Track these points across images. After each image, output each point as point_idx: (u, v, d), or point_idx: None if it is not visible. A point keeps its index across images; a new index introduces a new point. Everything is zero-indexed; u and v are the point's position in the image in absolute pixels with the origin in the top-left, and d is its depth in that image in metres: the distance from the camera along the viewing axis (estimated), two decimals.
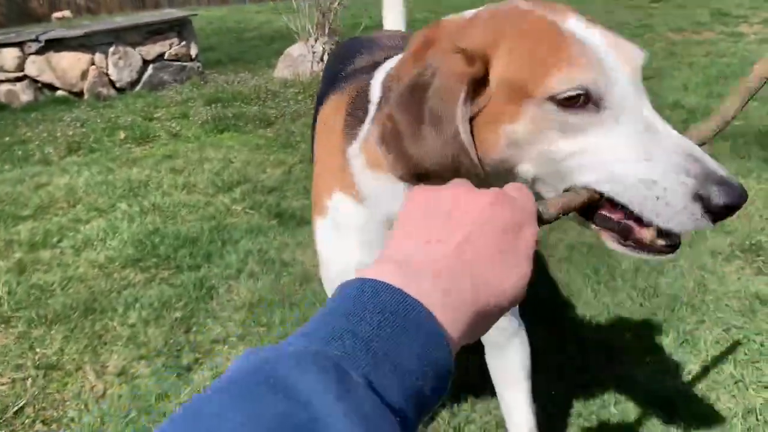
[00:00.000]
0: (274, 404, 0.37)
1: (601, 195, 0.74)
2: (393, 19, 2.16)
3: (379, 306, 0.45)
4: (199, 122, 4.85)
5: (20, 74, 6.09)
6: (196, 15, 7.07)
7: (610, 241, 0.76)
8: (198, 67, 6.77)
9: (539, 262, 2.57)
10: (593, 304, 2.24)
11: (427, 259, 0.50)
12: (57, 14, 16.70)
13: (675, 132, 0.73)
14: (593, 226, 0.77)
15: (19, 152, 4.35)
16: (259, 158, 4.04)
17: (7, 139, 4.73)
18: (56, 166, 4.09)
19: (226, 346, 2.17)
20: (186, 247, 2.80)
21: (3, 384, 2.05)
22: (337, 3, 6.11)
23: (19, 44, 5.96)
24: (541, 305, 2.27)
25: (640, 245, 0.74)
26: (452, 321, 0.48)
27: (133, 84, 6.32)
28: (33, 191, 3.62)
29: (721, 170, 0.69)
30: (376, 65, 1.07)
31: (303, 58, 6.26)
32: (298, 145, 4.29)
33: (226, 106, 5.29)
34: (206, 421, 0.36)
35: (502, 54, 0.77)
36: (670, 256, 0.75)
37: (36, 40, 5.90)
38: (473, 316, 0.50)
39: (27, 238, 3.01)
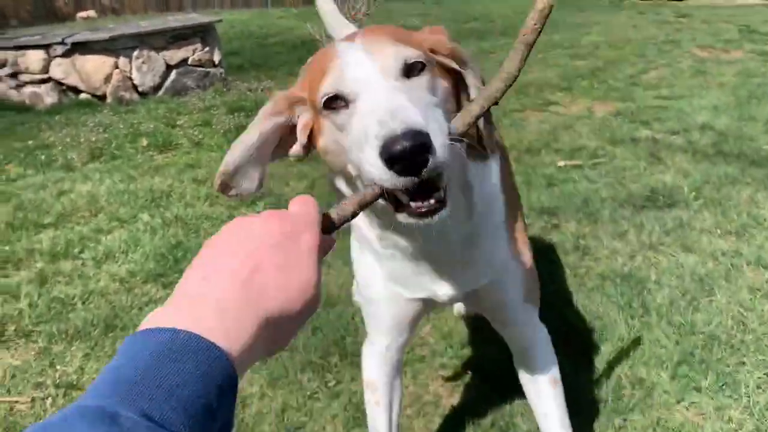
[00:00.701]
0: None
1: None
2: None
3: (152, 347, 0.49)
4: (222, 131, 4.83)
5: (45, 76, 6.12)
6: (220, 21, 7.07)
7: (398, 215, 0.86)
8: (221, 74, 6.77)
9: (568, 291, 2.50)
10: (627, 339, 2.16)
11: (203, 291, 0.55)
12: (82, 14, 16.87)
13: (384, 103, 0.81)
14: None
15: (42, 157, 4.35)
16: (282, 170, 4.00)
17: (30, 142, 4.74)
18: (79, 173, 4.08)
19: (249, 372, 2.12)
20: None
21: (23, 403, 2.01)
22: (362, 13, 6.09)
23: (45, 46, 6.00)
24: (572, 337, 2.20)
25: (408, 210, 0.84)
26: (235, 338, 0.53)
27: (156, 89, 6.33)
28: (55, 198, 3.61)
29: (399, 126, 0.75)
30: None
31: None
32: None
33: (249, 114, 5.26)
34: None
35: (307, 83, 0.99)
36: (433, 219, 0.83)
37: (62, 42, 5.94)
38: (259, 327, 0.55)
39: (48, 247, 3.00)
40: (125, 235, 3.10)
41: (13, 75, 6.24)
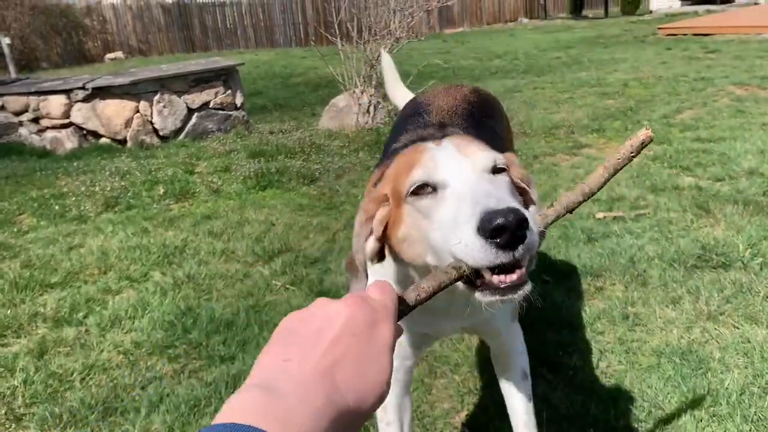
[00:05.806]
0: None
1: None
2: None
3: None
4: (241, 177, 4.67)
5: (66, 121, 6.08)
6: (242, 64, 7.01)
7: (478, 294, 0.84)
8: (243, 116, 6.68)
9: (619, 372, 2.21)
10: None
11: (283, 377, 0.53)
12: (110, 55, 17.24)
13: (479, 187, 0.88)
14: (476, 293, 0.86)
15: (56, 207, 4.21)
16: (302, 221, 3.80)
17: (46, 191, 4.63)
18: (91, 224, 3.93)
19: None
20: (220, 333, 2.54)
21: None
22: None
23: (66, 92, 5.97)
24: None
25: (489, 287, 0.82)
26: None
27: (177, 132, 6.24)
28: (65, 254, 3.44)
29: (497, 204, 0.79)
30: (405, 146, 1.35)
31: (348, 110, 6.09)
32: (343, 206, 4.05)
33: (270, 159, 5.11)
34: None
35: (391, 179, 1.07)
36: (516, 294, 0.81)
37: (83, 87, 5.90)
38: (334, 422, 0.52)
39: (52, 311, 2.81)
40: (134, 297, 2.90)
41: (35, 120, 6.22)
